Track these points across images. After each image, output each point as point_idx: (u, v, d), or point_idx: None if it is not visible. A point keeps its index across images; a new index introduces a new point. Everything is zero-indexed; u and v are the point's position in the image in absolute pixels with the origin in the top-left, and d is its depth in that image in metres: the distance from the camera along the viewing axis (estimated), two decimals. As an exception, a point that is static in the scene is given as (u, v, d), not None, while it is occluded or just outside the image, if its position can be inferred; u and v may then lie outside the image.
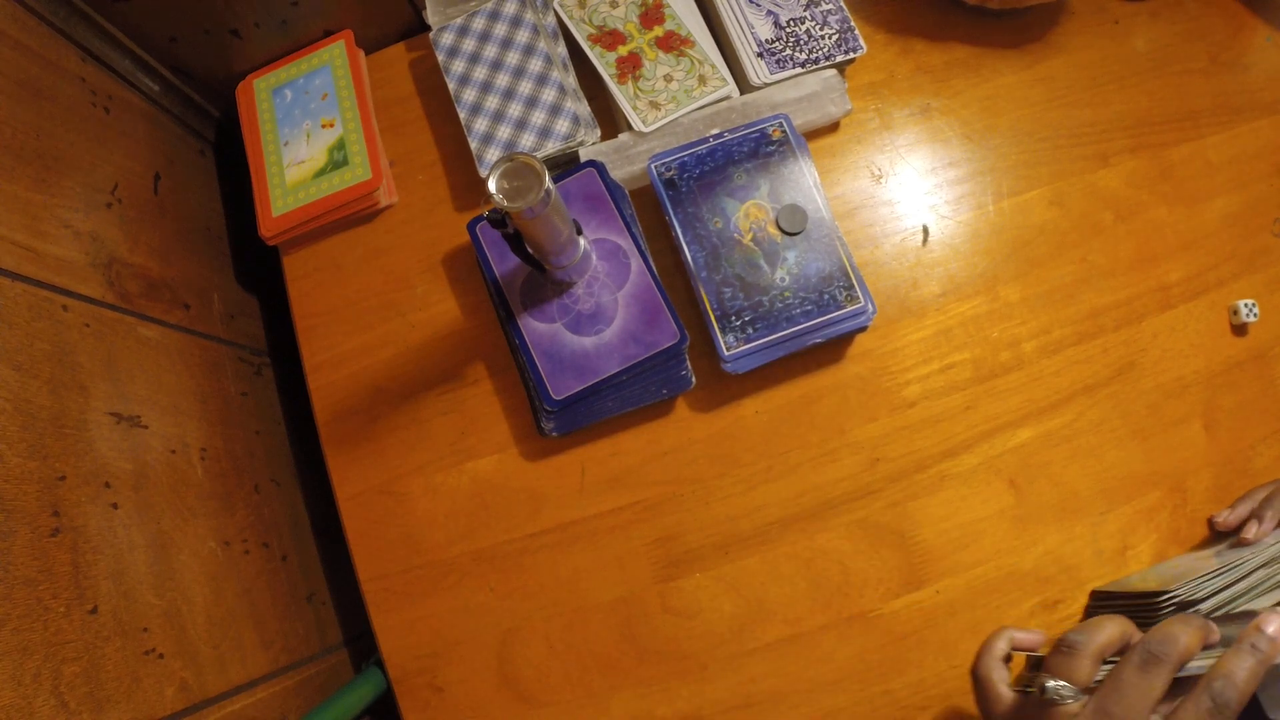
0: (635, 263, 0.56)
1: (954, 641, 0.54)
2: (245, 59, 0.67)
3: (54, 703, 0.37)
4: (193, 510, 0.52)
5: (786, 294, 0.55)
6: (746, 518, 0.56)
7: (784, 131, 0.58)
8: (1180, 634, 0.35)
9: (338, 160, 0.63)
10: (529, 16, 0.63)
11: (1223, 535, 0.54)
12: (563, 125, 0.60)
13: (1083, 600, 0.54)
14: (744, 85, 0.61)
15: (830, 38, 0.61)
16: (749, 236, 0.56)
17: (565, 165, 0.61)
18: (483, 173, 0.61)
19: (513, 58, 0.62)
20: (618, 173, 0.59)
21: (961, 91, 0.64)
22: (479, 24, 0.64)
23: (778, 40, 0.60)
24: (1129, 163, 0.62)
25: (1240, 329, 0.59)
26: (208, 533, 0.53)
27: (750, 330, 0.54)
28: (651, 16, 0.62)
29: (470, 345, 0.61)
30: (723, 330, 0.55)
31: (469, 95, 0.62)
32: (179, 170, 0.65)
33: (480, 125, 0.61)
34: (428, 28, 0.65)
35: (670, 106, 0.59)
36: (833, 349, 0.58)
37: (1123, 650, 0.38)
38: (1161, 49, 0.65)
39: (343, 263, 0.64)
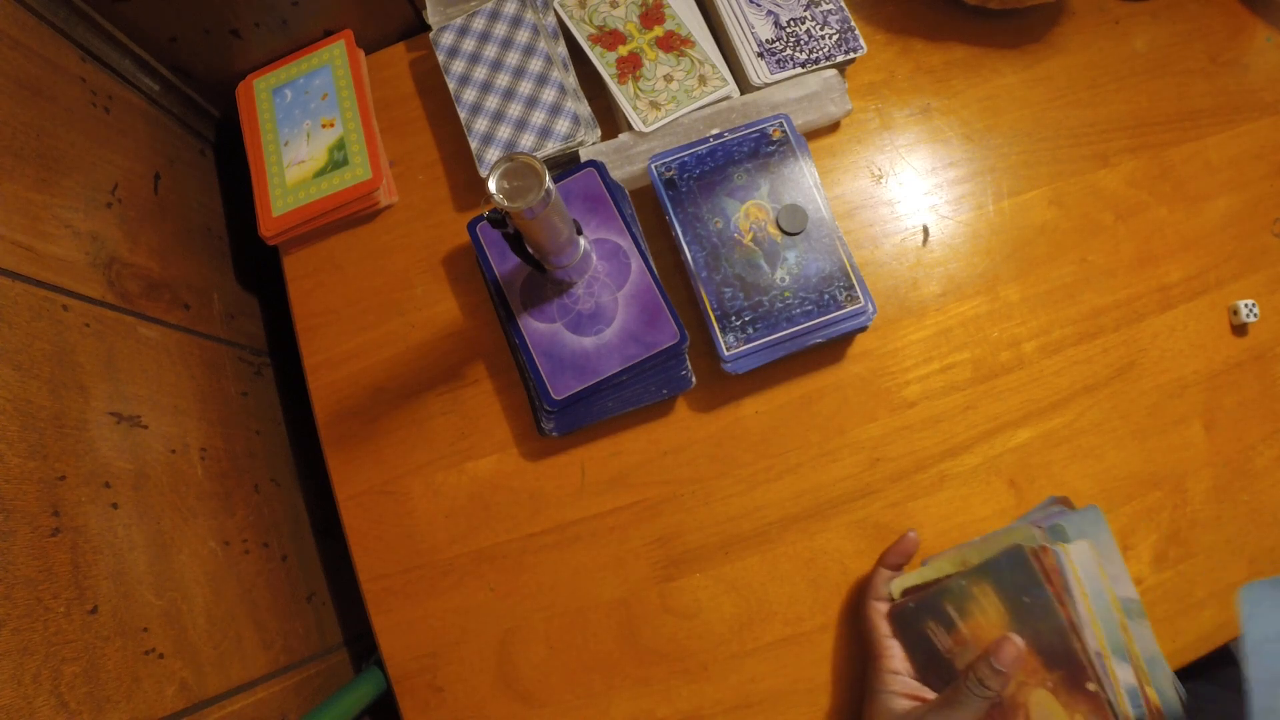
0: (635, 263, 0.56)
1: (954, 641, 0.54)
2: (245, 59, 0.67)
3: (54, 703, 0.37)
4: (193, 510, 0.52)
5: (786, 294, 0.55)
6: (746, 518, 0.56)
7: (784, 131, 0.58)
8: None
9: (338, 160, 0.63)
10: (529, 16, 0.63)
11: None
12: (563, 125, 0.60)
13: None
14: (744, 85, 0.61)
15: (830, 38, 0.61)
16: (749, 236, 0.56)
17: (565, 165, 0.61)
18: (483, 173, 0.61)
19: (513, 58, 0.62)
20: (618, 173, 0.59)
21: (961, 91, 0.64)
22: (479, 24, 0.64)
23: (778, 40, 0.60)
24: (1129, 163, 0.62)
25: (1240, 329, 0.59)
26: (208, 533, 0.53)
27: (750, 330, 0.54)
28: (652, 16, 0.62)
29: (470, 345, 0.61)
30: (723, 330, 0.55)
31: (469, 95, 0.62)
32: (179, 170, 0.65)
33: (480, 125, 0.61)
34: (428, 28, 0.65)
35: (670, 106, 0.59)
36: (833, 349, 0.58)
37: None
38: (1161, 49, 0.65)
39: (343, 263, 0.64)
